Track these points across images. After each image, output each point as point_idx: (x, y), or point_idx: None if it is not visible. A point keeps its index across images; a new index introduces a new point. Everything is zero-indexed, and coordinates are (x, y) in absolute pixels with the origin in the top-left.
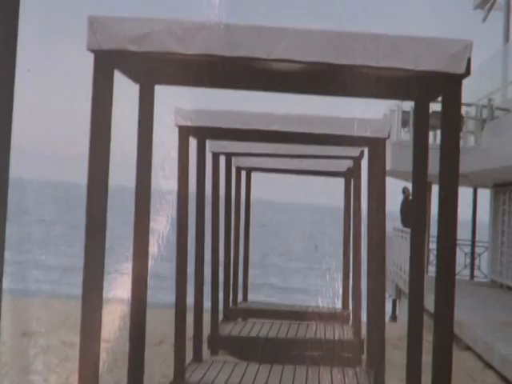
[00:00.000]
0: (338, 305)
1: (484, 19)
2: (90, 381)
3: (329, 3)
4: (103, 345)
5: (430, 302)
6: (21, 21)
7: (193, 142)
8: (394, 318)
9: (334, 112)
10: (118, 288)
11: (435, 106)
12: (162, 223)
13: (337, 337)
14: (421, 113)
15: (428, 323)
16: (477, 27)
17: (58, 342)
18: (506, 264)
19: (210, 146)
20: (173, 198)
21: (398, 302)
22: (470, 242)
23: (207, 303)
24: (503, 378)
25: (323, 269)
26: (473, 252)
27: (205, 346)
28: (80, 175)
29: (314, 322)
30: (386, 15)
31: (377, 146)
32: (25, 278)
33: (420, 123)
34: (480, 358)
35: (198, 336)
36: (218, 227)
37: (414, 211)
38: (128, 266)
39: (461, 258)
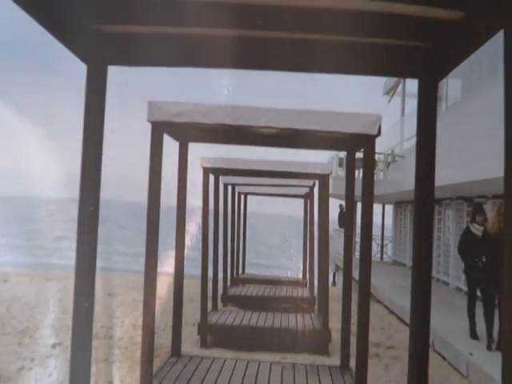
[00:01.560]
0: (300, 275)
1: (389, 101)
2: (149, 322)
3: (289, 87)
4: (157, 301)
5: (356, 273)
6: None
7: (211, 177)
8: (334, 283)
9: (299, 158)
10: (167, 266)
11: (359, 154)
12: (192, 227)
13: (299, 295)
14: (350, 159)
15: (354, 286)
16: (385, 106)
17: (130, 299)
18: (402, 250)
19: (223, 179)
20: (199, 212)
21: (336, 273)
22: (380, 237)
23: (221, 275)
24: (400, 319)
25: (290, 254)
26: (382, 243)
27: (219, 301)
28: (144, 199)
29: (286, 286)
30: (328, 97)
31: (324, 178)
32: (109, 260)
33: (350, 165)
34: (386, 307)
35: (215, 295)
36: (226, 229)
37: (346, 218)
38: (172, 253)
39: (375, 247)
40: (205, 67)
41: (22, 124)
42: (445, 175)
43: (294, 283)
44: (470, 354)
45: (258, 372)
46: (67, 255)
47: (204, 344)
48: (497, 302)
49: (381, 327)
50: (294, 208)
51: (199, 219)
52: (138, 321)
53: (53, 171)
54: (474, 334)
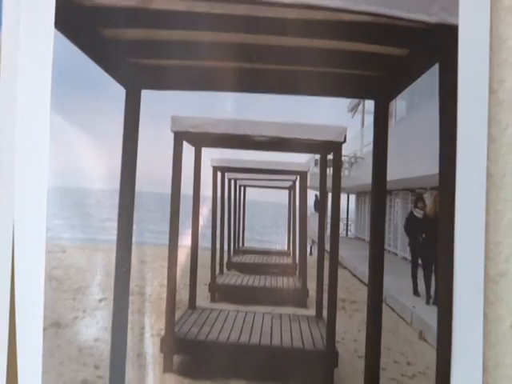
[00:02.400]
0: (285, 247)
1: (352, 116)
2: (172, 283)
3: (277, 106)
4: (178, 267)
5: (327, 246)
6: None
7: (219, 174)
8: (311, 254)
9: (285, 159)
10: (185, 240)
11: (330, 156)
12: (205, 211)
13: (285, 262)
14: (323, 160)
15: (326, 256)
16: (349, 120)
17: (158, 266)
18: (362, 229)
19: (227, 175)
20: (210, 199)
21: (312, 246)
22: (345, 219)
23: (226, 247)
24: (361, 281)
25: (278, 231)
26: (347, 223)
27: (225, 267)
28: (168, 190)
29: (275, 255)
30: (307, 113)
31: (303, 175)
32: (142, 236)
33: (322, 164)
34: (350, 272)
35: (221, 262)
36: (230, 213)
37: (319, 205)
38: (189, 231)
39: (342, 226)
40: (214, 90)
41: (75, 131)
42: (394, 172)
43: (280, 253)
44: (413, 306)
45: (253, 320)
46: (111, 232)
47: (213, 299)
48: (433, 268)
49: (346, 287)
50: (281, 197)
51: (210, 205)
52: (164, 282)
53: (99, 168)
54: (416, 292)
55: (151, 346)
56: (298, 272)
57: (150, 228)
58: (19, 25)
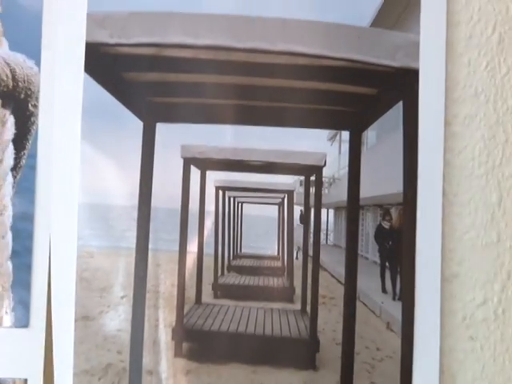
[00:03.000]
0: (275, 253)
1: (331, 144)
2: (181, 283)
3: (267, 135)
4: (187, 270)
5: (310, 252)
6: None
7: (220, 193)
8: (296, 258)
9: (275, 180)
10: (193, 247)
11: (312, 178)
12: (208, 223)
13: (275, 265)
14: (306, 181)
15: (310, 260)
16: (328, 147)
17: (170, 268)
18: (339, 238)
19: (228, 194)
20: (213, 213)
21: (298, 252)
22: (326, 229)
23: (227, 253)
24: (338, 281)
25: (270, 240)
26: (327, 233)
27: (225, 269)
28: (179, 205)
29: (266, 259)
30: (292, 142)
31: (290, 193)
32: (156, 243)
33: (306, 185)
34: (329, 273)
35: (222, 265)
36: (230, 224)
37: (304, 218)
38: (196, 239)
39: (323, 236)
40: (216, 123)
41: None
42: (366, 191)
43: (271, 258)
44: (382, 302)
45: (249, 313)
46: (130, 241)
47: (216, 296)
48: (398, 270)
49: (326, 285)
50: (272, 211)
51: (213, 218)
52: (175, 282)
53: (121, 187)
54: (384, 290)
55: (164, 335)
56: (285, 273)
57: (163, 237)
58: (54, 69)
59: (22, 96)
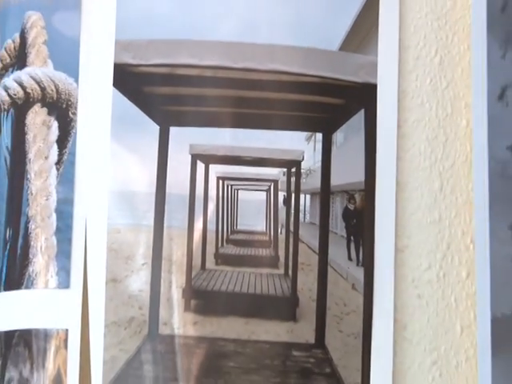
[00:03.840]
0: (264, 229)
1: (308, 143)
2: (190, 252)
3: (257, 137)
4: (194, 243)
5: (292, 228)
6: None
7: (220, 182)
8: (281, 233)
9: (264, 171)
10: (198, 224)
11: (293, 170)
12: (211, 206)
13: (263, 239)
14: (288, 172)
15: (291, 235)
16: (306, 146)
17: (181, 242)
18: (314, 216)
19: (226, 182)
20: (214, 199)
21: (282, 228)
22: (303, 210)
23: (225, 229)
24: (314, 251)
25: (259, 219)
26: (304, 212)
27: (224, 242)
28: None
29: (257, 234)
30: (277, 141)
31: (276, 182)
32: (170, 222)
33: (288, 175)
34: (307, 245)
35: (222, 239)
36: (227, 206)
37: (286, 201)
38: (201, 217)
39: (301, 215)
40: (217, 127)
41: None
42: (335, 180)
43: (260, 233)
44: (348, 267)
45: (243, 277)
46: (150, 220)
47: (217, 263)
48: (361, 242)
49: (304, 255)
50: (261, 196)
51: (215, 202)
52: (185, 252)
53: (143, 178)
54: (349, 258)
55: (176, 294)
56: (272, 245)
57: (175, 217)
58: (89, 84)
59: (64, 106)
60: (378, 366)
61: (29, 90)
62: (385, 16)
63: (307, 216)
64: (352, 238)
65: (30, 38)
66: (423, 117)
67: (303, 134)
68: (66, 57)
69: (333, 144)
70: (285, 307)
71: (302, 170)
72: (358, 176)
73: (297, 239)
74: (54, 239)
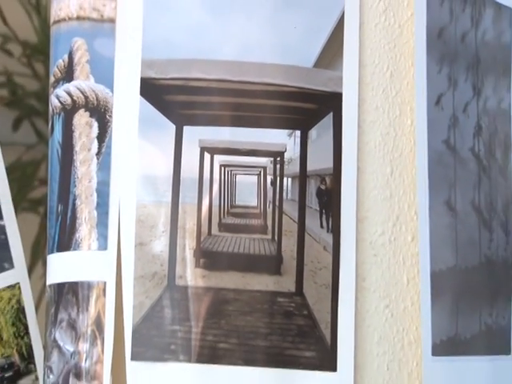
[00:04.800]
0: (256, 205)
1: (289, 138)
2: (199, 223)
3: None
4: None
5: (277, 203)
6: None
7: (222, 168)
8: (268, 207)
9: (256, 160)
10: (205, 200)
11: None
12: (215, 187)
13: (255, 212)
14: (275, 161)
15: (277, 209)
16: (287, 140)
17: (192, 214)
18: (294, 194)
19: (227, 168)
20: (218, 182)
21: (270, 204)
22: (286, 190)
23: (227, 204)
24: (294, 221)
25: (252, 197)
26: (287, 191)
27: (226, 213)
28: (197, 175)
29: (250, 208)
30: (265, 137)
31: (265, 168)
32: (184, 199)
33: (274, 163)
34: (289, 217)
35: (224, 212)
36: (228, 188)
37: (273, 184)
38: (208, 196)
39: (285, 194)
40: (220, 126)
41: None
42: (310, 166)
43: (253, 207)
44: (320, 234)
45: (240, 241)
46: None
47: (220, 230)
48: (330, 214)
49: (286, 224)
50: (254, 179)
51: (218, 184)
52: (195, 222)
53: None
54: (321, 226)
55: (189, 254)
56: (262, 217)
57: (188, 195)
58: (122, 93)
59: (102, 110)
60: (343, 309)
61: (75, 98)
62: (348, 41)
63: (289, 194)
64: (323, 211)
65: (76, 58)
66: (377, 118)
67: (286, 132)
68: (104, 73)
69: (308, 139)
70: (272, 264)
71: (285, 159)
72: (328, 163)
73: (281, 212)
74: (94, 212)
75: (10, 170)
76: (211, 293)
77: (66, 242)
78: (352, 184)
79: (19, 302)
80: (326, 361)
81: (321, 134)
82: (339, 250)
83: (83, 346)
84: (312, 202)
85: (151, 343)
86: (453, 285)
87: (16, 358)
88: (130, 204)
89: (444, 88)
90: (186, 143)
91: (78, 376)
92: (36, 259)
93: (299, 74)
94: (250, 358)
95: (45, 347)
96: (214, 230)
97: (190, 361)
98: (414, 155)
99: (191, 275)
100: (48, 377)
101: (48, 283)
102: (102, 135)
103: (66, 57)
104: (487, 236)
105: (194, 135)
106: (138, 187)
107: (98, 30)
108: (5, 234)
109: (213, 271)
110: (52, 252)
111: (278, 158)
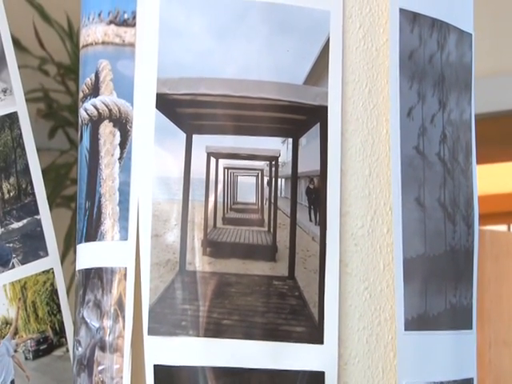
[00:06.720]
0: (254, 201)
1: (283, 145)
2: (206, 217)
3: None
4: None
5: (272, 200)
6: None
7: (226, 170)
8: (265, 203)
9: (254, 163)
10: (211, 198)
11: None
12: (219, 186)
13: (254, 208)
14: (270, 164)
15: (272, 206)
16: (282, 146)
17: (200, 210)
18: (287, 193)
19: (230, 171)
20: (222, 182)
21: (267, 201)
22: (280, 189)
23: (230, 201)
24: (287, 216)
25: (252, 195)
26: (281, 190)
27: (229, 208)
28: (204, 176)
29: (249, 204)
30: (261, 143)
31: (262, 170)
32: (194, 196)
33: (270, 166)
34: (282, 212)
35: (227, 208)
36: (230, 187)
37: (269, 183)
38: (213, 194)
39: (279, 192)
40: (225, 134)
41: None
42: (301, 168)
43: (252, 204)
44: (309, 226)
45: (241, 233)
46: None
47: (224, 223)
48: (318, 209)
49: (280, 218)
50: (253, 180)
51: (222, 183)
52: (203, 216)
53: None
54: (310, 220)
55: (197, 244)
56: (259, 212)
57: (196, 193)
58: (141, 107)
59: (124, 121)
60: (329, 291)
61: (101, 111)
62: (332, 62)
63: (283, 193)
64: (312, 206)
65: (101, 77)
66: (358, 128)
67: (280, 139)
68: (125, 89)
69: (299, 145)
70: (268, 252)
71: (279, 163)
72: (316, 166)
73: (276, 208)
74: (117, 208)
75: (46, 172)
76: (216, 277)
77: (93, 234)
78: (336, 184)
79: (53, 284)
80: (315, 335)
81: (309, 141)
82: (325, 240)
83: (107, 323)
84: (302, 199)
85: (165, 320)
86: (422, 270)
87: (50, 333)
88: (147, 201)
89: (414, 102)
90: (194, 149)
91: (102, 348)
92: (68, 248)
93: (291, 90)
94: (249, 333)
95: (74, 323)
96: (219, 223)
97: (198, 335)
98: (389, 159)
99: (199, 262)
100: (77, 349)
101: (77, 269)
102: (124, 142)
103: (92, 76)
104: (451, 228)
105: (201, 142)
106: (154, 187)
107: (120, 53)
108: (41, 226)
109: (218, 258)
110: (81, 242)
111: (274, 162)
